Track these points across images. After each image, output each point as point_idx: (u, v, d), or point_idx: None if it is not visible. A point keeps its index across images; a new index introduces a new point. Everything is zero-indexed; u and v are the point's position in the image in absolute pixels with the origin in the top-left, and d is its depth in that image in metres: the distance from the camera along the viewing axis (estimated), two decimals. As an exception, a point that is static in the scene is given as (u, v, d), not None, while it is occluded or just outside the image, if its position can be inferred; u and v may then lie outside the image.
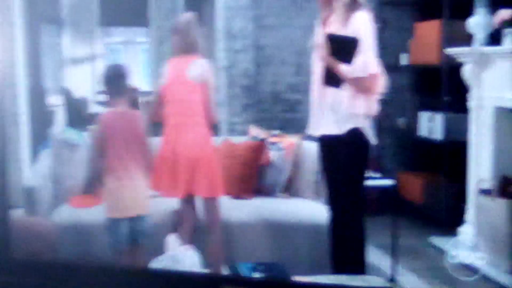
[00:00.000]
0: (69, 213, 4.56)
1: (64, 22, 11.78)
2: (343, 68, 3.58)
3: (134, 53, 13.03)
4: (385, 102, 6.45)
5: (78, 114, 10.68)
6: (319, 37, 3.80)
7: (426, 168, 6.36)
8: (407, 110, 6.60)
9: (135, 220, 3.86)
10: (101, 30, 12.39)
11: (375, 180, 5.33)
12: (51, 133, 5.11)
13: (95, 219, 4.43)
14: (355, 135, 3.71)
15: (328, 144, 3.81)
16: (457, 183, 5.56)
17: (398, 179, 6.33)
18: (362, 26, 3.64)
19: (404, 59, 6.46)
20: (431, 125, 6.04)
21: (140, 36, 12.51)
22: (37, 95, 8.39)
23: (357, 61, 3.56)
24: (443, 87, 5.73)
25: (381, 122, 6.60)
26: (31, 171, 5.26)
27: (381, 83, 3.74)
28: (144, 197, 3.95)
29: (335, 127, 3.71)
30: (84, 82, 12.00)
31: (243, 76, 6.46)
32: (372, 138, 3.79)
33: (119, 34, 13.02)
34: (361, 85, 3.64)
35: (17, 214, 4.90)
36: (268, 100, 6.54)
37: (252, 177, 4.91)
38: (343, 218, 3.83)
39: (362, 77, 3.61)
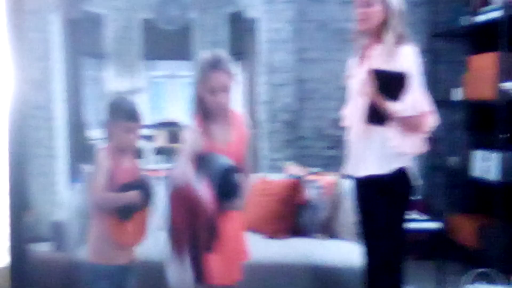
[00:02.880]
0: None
1: (106, 55, 12.11)
2: (391, 106, 3.54)
3: (178, 86, 13.25)
4: (436, 140, 6.51)
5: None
6: (359, 72, 3.78)
7: (480, 211, 6.27)
8: (459, 148, 6.54)
9: (121, 269, 3.84)
10: (144, 63, 12.67)
11: (422, 223, 5.37)
12: (82, 167, 5.28)
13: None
14: (401, 174, 3.68)
15: (371, 184, 3.76)
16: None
17: (449, 222, 6.29)
18: (410, 61, 3.61)
19: (457, 94, 6.38)
20: (485, 164, 5.91)
21: (184, 70, 12.73)
22: (77, 128, 8.65)
23: (407, 99, 3.53)
24: (499, 124, 5.60)
25: (432, 161, 6.61)
26: (62, 205, 5.47)
27: (431, 122, 3.71)
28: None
29: (381, 167, 3.68)
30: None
31: (284, 111, 6.55)
32: (416, 178, 3.77)
33: (162, 68, 13.26)
34: (411, 124, 3.61)
35: (43, 248, 5.13)
36: (311, 136, 6.61)
37: (288, 216, 4.98)
38: (382, 263, 3.80)
39: (412, 116, 3.58)
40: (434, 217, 5.52)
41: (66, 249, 4.68)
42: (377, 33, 3.71)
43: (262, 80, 6.78)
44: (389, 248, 3.78)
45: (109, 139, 3.74)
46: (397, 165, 3.66)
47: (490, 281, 4.64)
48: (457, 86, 6.38)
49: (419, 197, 6.23)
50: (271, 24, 6.61)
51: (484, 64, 5.90)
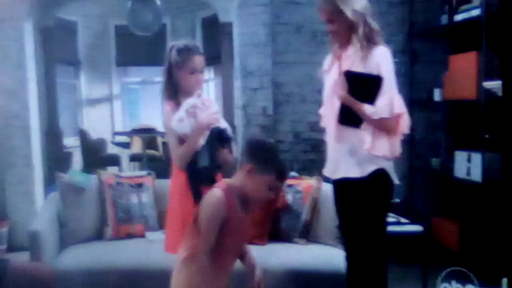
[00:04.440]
0: (73, 258, 4.80)
1: (80, 63, 12.15)
2: (366, 109, 3.60)
3: (152, 92, 13.31)
4: (417, 141, 6.55)
5: (94, 156, 10.98)
6: (333, 72, 3.85)
7: (463, 213, 6.28)
8: (441, 149, 6.52)
9: None
10: (118, 70, 12.71)
11: (403, 226, 5.41)
12: (58, 176, 5.33)
13: (100, 265, 4.72)
14: (379, 176, 3.72)
15: (348, 187, 3.80)
16: (499, 229, 5.56)
17: (431, 224, 6.35)
18: (384, 62, 3.67)
19: (437, 95, 6.37)
20: (468, 165, 5.89)
21: (158, 76, 12.79)
22: (53, 136, 8.68)
23: (381, 101, 3.59)
24: (481, 124, 5.60)
25: (413, 163, 6.64)
26: (38, 214, 5.50)
27: (406, 123, 3.76)
28: None
29: (357, 170, 3.72)
30: (102, 123, 12.32)
31: (261, 115, 6.58)
32: (395, 178, 3.80)
33: (136, 74, 13.30)
34: (385, 126, 3.66)
35: (21, 258, 5.17)
36: (288, 140, 6.62)
37: (267, 221, 5.00)
38: (366, 266, 3.83)
39: (387, 118, 3.64)
40: (416, 220, 5.56)
41: (43, 258, 4.71)
42: (346, 37, 3.77)
43: (237, 85, 6.82)
44: (370, 251, 3.80)
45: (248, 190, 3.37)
46: (373, 167, 3.69)
47: (467, 280, 4.68)
48: (437, 86, 6.38)
49: (400, 200, 6.26)
50: (245, 28, 6.64)
51: (465, 64, 5.90)
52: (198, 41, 10.82)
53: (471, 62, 5.77)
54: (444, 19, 6.33)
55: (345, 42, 3.81)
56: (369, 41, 3.70)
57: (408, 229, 5.41)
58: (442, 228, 6.35)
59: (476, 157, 5.77)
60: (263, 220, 4.97)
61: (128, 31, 10.68)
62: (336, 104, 3.71)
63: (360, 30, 3.70)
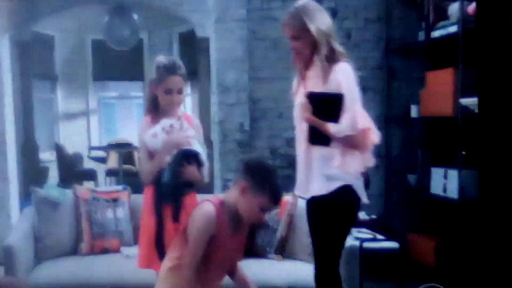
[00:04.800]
0: (48, 273, 4.81)
1: (57, 77, 12.11)
2: (330, 128, 3.60)
3: (129, 107, 13.30)
4: (394, 157, 6.57)
5: (70, 170, 10.95)
6: (299, 94, 3.88)
7: (439, 229, 6.32)
8: (418, 166, 6.55)
9: None
10: (95, 85, 12.70)
11: (379, 242, 5.42)
12: (33, 190, 5.32)
13: (75, 280, 4.74)
14: (344, 192, 3.72)
15: (316, 203, 3.83)
16: (475, 245, 5.55)
17: (408, 241, 6.36)
18: (344, 79, 3.67)
19: (414, 111, 6.40)
20: (445, 182, 5.91)
21: (135, 90, 12.80)
22: (29, 151, 8.64)
23: (344, 119, 3.60)
24: (457, 140, 5.63)
25: (390, 179, 6.66)
26: (13, 229, 5.48)
27: (374, 137, 3.77)
28: None
29: (324, 187, 3.74)
30: (78, 138, 12.29)
31: (237, 131, 6.58)
32: (363, 196, 3.80)
33: (113, 88, 13.30)
34: (352, 143, 3.68)
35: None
36: (265, 156, 6.59)
37: (243, 237, 4.97)
38: (328, 279, 3.85)
39: (352, 134, 3.65)
40: (392, 236, 5.57)
41: (17, 272, 4.70)
42: (309, 56, 3.81)
43: (214, 100, 6.80)
44: (334, 266, 3.82)
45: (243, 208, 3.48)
46: (340, 183, 3.71)
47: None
48: (414, 102, 6.42)
49: (377, 216, 6.28)
50: (222, 43, 6.65)
51: (442, 80, 5.93)
52: (175, 56, 10.82)
53: (448, 78, 5.81)
54: (421, 35, 6.36)
55: (307, 62, 3.84)
56: (330, 62, 3.72)
57: (384, 245, 5.43)
58: (418, 245, 6.36)
59: (453, 174, 5.80)
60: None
61: (105, 45, 10.68)
62: (304, 126, 3.73)
63: (322, 50, 3.72)
